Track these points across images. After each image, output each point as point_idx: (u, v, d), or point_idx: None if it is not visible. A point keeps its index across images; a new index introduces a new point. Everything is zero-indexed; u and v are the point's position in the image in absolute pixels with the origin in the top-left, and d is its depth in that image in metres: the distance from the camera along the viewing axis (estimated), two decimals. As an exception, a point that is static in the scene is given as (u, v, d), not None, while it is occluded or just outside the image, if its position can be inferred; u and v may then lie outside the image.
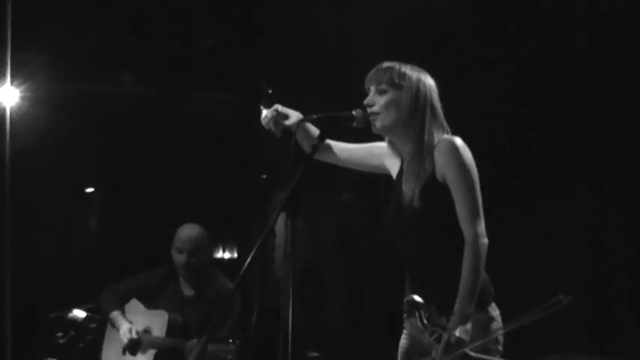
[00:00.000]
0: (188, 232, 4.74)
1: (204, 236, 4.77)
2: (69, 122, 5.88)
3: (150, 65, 6.06)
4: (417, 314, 2.66)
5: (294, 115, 3.10)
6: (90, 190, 6.69)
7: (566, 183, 4.81)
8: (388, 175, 3.17)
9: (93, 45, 5.79)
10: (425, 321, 2.65)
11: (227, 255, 6.88)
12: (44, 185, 6.00)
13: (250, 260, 2.66)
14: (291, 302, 2.64)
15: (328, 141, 3.16)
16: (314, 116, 2.99)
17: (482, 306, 2.77)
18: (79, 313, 4.57)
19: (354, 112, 2.95)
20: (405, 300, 2.69)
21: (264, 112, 3.12)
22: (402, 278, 3.01)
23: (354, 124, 2.95)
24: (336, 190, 6.73)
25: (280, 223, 2.70)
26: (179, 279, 4.77)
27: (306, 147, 3.08)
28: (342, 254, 6.81)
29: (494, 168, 3.37)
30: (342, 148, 3.19)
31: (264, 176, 6.67)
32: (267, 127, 3.12)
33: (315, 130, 3.08)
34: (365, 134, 3.10)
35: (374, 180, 3.42)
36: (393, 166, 3.06)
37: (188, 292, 4.76)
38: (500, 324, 2.81)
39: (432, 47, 5.16)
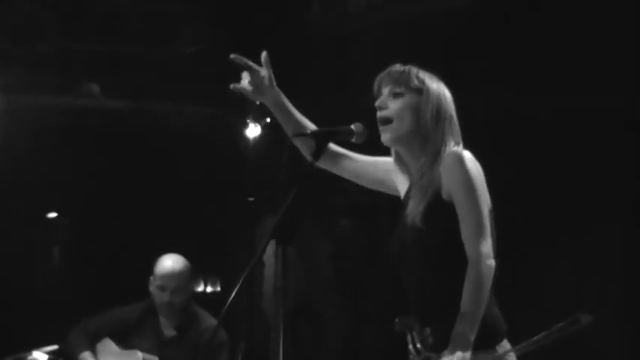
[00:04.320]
0: (171, 265, 4.68)
1: (189, 270, 4.72)
2: (27, 138, 5.88)
3: (120, 74, 6.07)
4: (408, 337, 2.64)
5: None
6: (52, 215, 6.70)
7: (594, 216, 4.95)
8: (391, 199, 3.18)
9: (54, 51, 5.80)
10: (418, 345, 2.63)
11: (209, 289, 6.89)
12: (-1, 210, 6.00)
13: (235, 295, 2.64)
14: (281, 342, 2.62)
15: (336, 148, 3.14)
16: (308, 131, 3.00)
17: (490, 344, 2.74)
18: (40, 356, 4.55)
19: (353, 127, 2.94)
20: (396, 320, 2.68)
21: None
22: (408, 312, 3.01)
23: (354, 139, 2.95)
24: (334, 215, 6.74)
25: (270, 252, 2.69)
26: (159, 317, 4.74)
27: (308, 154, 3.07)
28: (340, 288, 6.81)
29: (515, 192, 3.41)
30: (353, 157, 3.17)
31: (252, 199, 6.68)
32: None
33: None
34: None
35: (375, 204, 3.42)
36: (401, 183, 3.04)
37: (169, 332, 4.72)
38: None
39: (437, 51, 5.23)
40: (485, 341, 2.71)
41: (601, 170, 5.01)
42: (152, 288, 4.70)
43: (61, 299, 6.20)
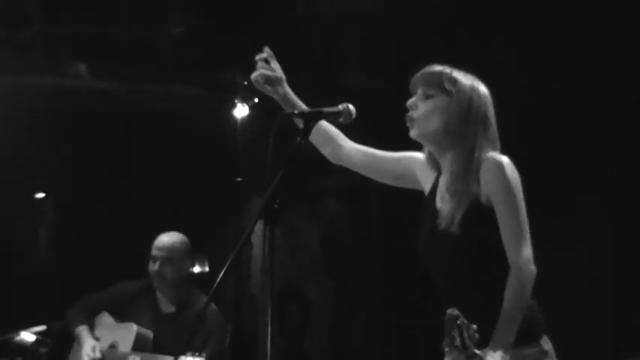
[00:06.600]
0: (164, 239, 4.78)
1: (183, 246, 4.80)
2: (13, 118, 5.87)
3: (107, 55, 6.05)
4: (457, 331, 2.64)
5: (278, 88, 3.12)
6: (40, 195, 6.68)
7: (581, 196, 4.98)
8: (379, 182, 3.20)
9: (40, 32, 5.78)
10: (468, 341, 2.62)
11: (197, 269, 6.88)
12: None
13: (223, 275, 2.65)
14: (269, 324, 2.61)
15: (353, 143, 3.19)
16: (295, 112, 3.00)
17: (533, 338, 2.79)
18: (28, 337, 4.54)
19: (340, 107, 2.95)
20: (449, 312, 2.66)
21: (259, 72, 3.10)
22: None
23: (341, 119, 2.96)
24: (321, 195, 6.75)
25: (257, 233, 2.70)
26: (156, 294, 4.81)
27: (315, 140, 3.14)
28: (328, 269, 6.83)
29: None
30: (367, 151, 3.20)
31: (239, 179, 6.68)
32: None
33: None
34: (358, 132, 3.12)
35: (364, 185, 3.43)
36: (426, 179, 3.06)
37: (166, 308, 4.80)
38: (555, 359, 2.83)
39: (427, 35, 5.25)
40: (528, 336, 2.75)
41: (577, 147, 5.05)
42: (149, 262, 4.74)
43: (47, 280, 6.20)
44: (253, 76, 3.11)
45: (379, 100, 5.36)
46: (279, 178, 2.72)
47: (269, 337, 2.60)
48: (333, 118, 2.97)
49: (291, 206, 3.14)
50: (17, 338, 4.46)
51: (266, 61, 3.12)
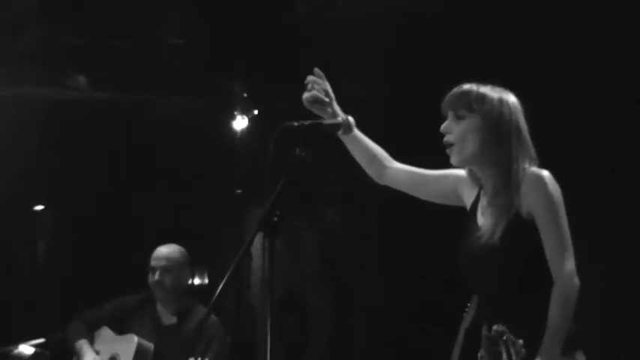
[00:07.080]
0: (162, 250, 4.80)
1: (182, 257, 4.81)
2: (13, 129, 5.87)
3: (107, 66, 6.05)
4: (503, 347, 2.62)
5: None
6: (39, 207, 6.67)
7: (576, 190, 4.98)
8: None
9: (41, 43, 5.78)
10: (515, 357, 2.61)
11: (197, 280, 6.88)
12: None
13: (223, 286, 2.65)
14: (269, 334, 2.59)
15: (397, 163, 3.20)
16: (295, 124, 2.98)
17: (569, 350, 2.80)
18: (26, 349, 4.53)
19: (340, 119, 2.96)
20: (495, 328, 2.65)
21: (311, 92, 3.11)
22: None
23: (341, 131, 2.96)
24: (320, 206, 6.75)
25: (257, 244, 2.70)
26: (156, 305, 4.81)
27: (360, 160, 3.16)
28: (327, 279, 6.82)
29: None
30: (410, 171, 3.21)
31: (239, 191, 6.67)
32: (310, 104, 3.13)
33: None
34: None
35: (361, 195, 3.43)
36: (469, 195, 3.08)
37: (167, 320, 4.80)
38: None
39: (427, 35, 5.26)
40: (564, 347, 2.75)
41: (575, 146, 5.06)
42: (148, 274, 4.75)
43: (46, 293, 6.19)
44: (304, 96, 3.11)
45: (379, 100, 5.38)
46: (279, 189, 2.72)
47: (269, 348, 2.58)
48: (332, 130, 2.97)
49: (291, 209, 3.13)
50: (15, 351, 4.45)
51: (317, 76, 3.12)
